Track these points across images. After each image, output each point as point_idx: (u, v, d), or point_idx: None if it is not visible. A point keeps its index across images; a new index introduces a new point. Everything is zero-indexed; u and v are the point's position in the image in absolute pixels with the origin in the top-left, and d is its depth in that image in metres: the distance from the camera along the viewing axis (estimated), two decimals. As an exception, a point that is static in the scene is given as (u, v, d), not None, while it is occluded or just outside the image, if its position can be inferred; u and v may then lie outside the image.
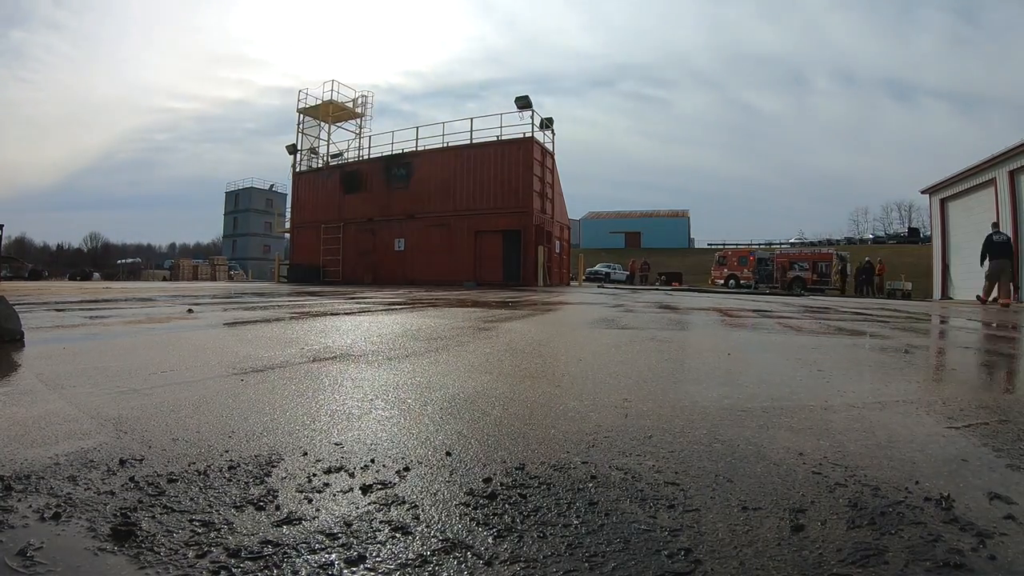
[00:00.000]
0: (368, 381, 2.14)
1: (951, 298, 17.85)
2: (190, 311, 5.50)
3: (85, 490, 1.05)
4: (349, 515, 0.97)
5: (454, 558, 0.84)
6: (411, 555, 0.84)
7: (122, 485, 1.08)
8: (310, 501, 1.03)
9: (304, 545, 0.86)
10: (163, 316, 5.10)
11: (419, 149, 21.18)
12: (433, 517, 0.97)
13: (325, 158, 24.81)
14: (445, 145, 20.53)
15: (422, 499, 1.04)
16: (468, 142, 19.98)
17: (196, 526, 0.92)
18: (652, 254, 39.12)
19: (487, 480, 1.14)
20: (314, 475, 1.15)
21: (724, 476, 1.18)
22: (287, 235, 27.81)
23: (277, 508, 0.99)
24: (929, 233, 22.54)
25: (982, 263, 11.98)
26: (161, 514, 0.96)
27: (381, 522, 0.95)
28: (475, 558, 0.84)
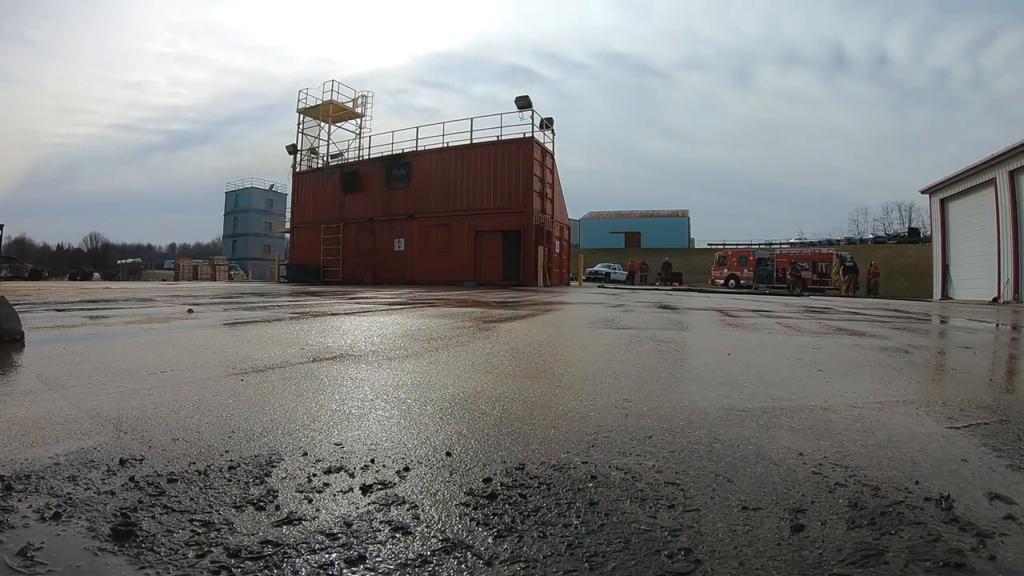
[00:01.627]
0: (368, 381, 2.14)
1: (951, 298, 17.85)
2: (190, 311, 5.50)
3: (85, 490, 1.05)
4: (349, 515, 0.97)
5: (454, 558, 0.84)
6: (411, 555, 0.84)
7: (122, 485, 1.08)
8: (310, 501, 1.03)
9: (304, 545, 0.86)
10: (163, 316, 5.10)
11: (419, 149, 21.18)
12: (433, 517, 0.97)
13: (325, 158, 24.81)
14: (445, 145, 20.53)
15: (422, 499, 1.04)
16: (468, 142, 19.97)
17: (196, 526, 0.92)
18: (652, 254, 39.10)
19: (487, 480, 1.14)
20: (314, 475, 1.15)
21: (724, 476, 1.18)
22: (287, 235, 27.81)
23: (277, 508, 0.99)
24: (929, 233, 22.55)
25: None
26: (161, 514, 0.96)
27: (381, 522, 0.95)
28: (475, 558, 0.84)
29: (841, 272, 24.30)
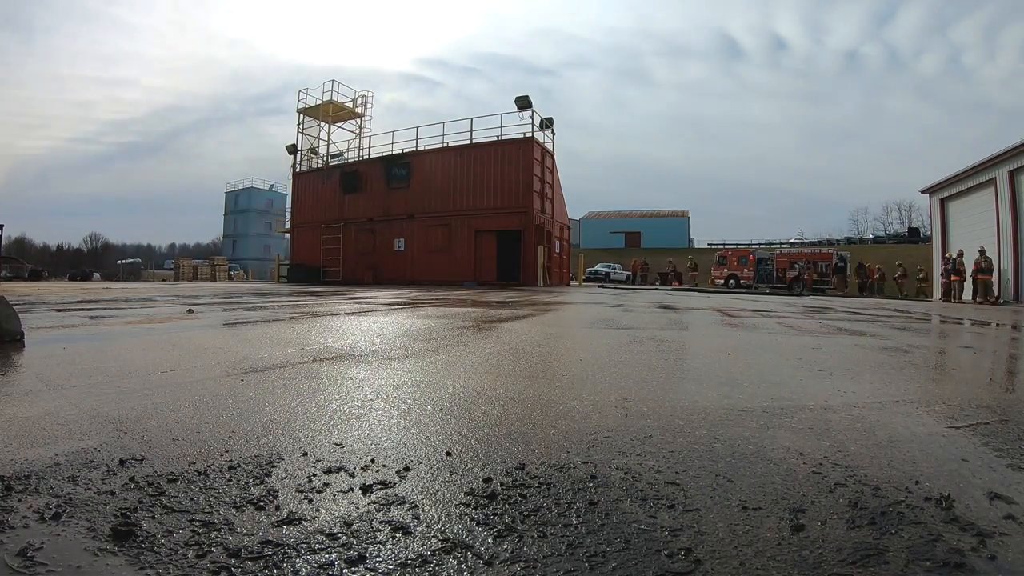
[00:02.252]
0: (368, 381, 2.14)
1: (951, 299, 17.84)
2: (190, 311, 5.50)
3: (85, 490, 1.05)
4: (349, 515, 0.97)
5: (454, 558, 0.84)
6: (411, 555, 0.84)
7: (122, 485, 1.08)
8: (310, 501, 1.03)
9: (304, 545, 0.86)
10: (163, 316, 5.10)
11: (419, 149, 21.18)
12: (433, 517, 0.97)
13: (325, 158, 24.81)
14: (445, 145, 20.52)
15: (422, 499, 1.04)
16: (468, 142, 19.97)
17: (196, 526, 0.92)
18: (652, 254, 39.07)
19: (487, 480, 1.14)
20: (314, 475, 1.15)
21: (724, 476, 1.18)
22: (287, 235, 27.80)
23: (277, 508, 0.99)
24: (929, 233, 22.55)
25: None
26: (161, 514, 0.96)
27: (381, 522, 0.95)
28: (475, 558, 0.84)
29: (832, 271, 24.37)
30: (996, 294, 14.74)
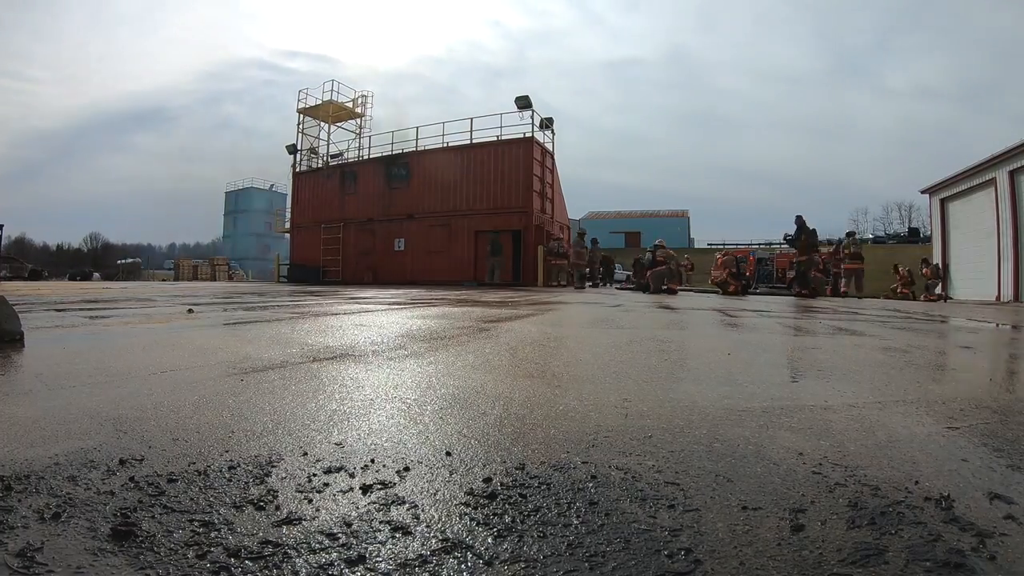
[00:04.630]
0: (368, 381, 2.14)
1: (951, 298, 17.86)
2: (190, 311, 5.50)
3: (85, 490, 1.05)
4: (349, 515, 0.97)
5: (454, 558, 0.84)
6: (411, 555, 0.84)
7: (122, 485, 1.08)
8: (310, 501, 1.03)
9: (304, 545, 0.86)
10: (163, 316, 5.09)
11: (419, 149, 21.20)
12: (433, 517, 0.97)
13: (325, 158, 24.82)
14: (445, 145, 20.55)
15: (422, 499, 1.04)
16: (468, 142, 19.99)
17: (196, 526, 0.92)
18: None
19: (487, 480, 1.14)
20: (314, 475, 1.15)
21: (724, 476, 1.18)
22: (287, 235, 27.79)
23: (277, 508, 0.99)
24: (929, 233, 22.57)
25: None
26: (161, 514, 0.96)
27: (381, 522, 0.95)
28: (475, 558, 0.84)
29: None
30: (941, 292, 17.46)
